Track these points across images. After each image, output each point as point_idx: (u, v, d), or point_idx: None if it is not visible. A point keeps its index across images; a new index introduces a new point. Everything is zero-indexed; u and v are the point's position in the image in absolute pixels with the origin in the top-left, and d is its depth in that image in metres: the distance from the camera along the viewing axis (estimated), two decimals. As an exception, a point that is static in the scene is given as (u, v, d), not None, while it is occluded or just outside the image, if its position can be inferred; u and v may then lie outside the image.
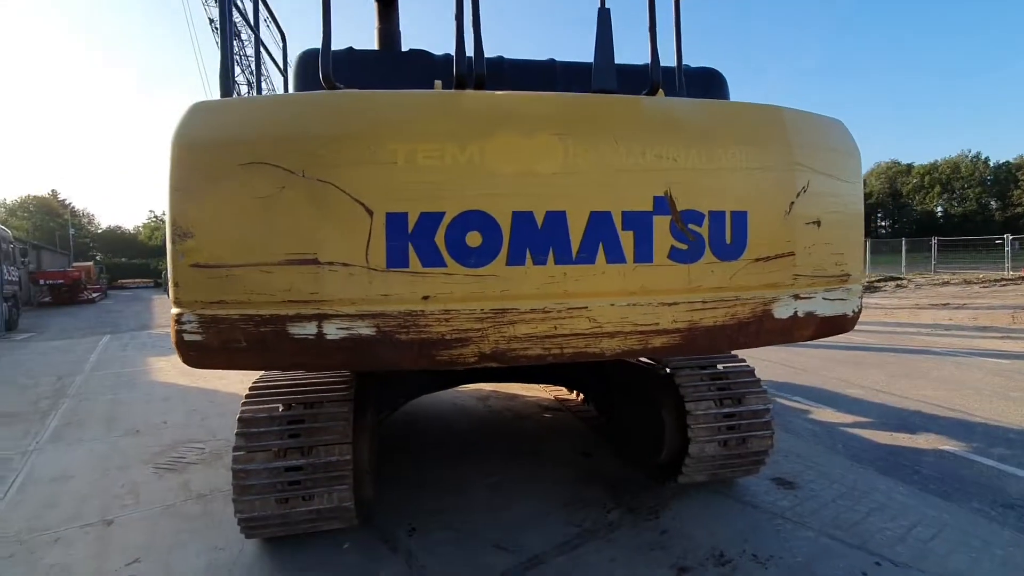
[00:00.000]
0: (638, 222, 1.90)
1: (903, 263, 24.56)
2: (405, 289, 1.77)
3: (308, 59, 2.96)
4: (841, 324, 2.31)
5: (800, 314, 2.16)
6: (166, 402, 5.96)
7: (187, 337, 1.84)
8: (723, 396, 3.32)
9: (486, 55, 2.02)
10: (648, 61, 2.22)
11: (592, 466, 3.95)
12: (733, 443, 3.30)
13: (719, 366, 3.53)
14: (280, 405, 2.90)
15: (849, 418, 4.91)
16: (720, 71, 3.34)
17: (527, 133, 1.82)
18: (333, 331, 1.77)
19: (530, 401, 5.75)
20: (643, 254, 1.91)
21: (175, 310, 1.87)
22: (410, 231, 1.76)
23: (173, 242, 1.81)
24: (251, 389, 3.00)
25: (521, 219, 1.81)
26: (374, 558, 2.80)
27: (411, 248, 1.77)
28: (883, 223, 78.90)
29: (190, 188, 1.81)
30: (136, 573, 2.70)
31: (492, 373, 4.14)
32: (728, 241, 2.00)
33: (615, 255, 1.88)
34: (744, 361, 3.59)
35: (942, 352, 7.78)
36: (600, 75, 2.15)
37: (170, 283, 1.86)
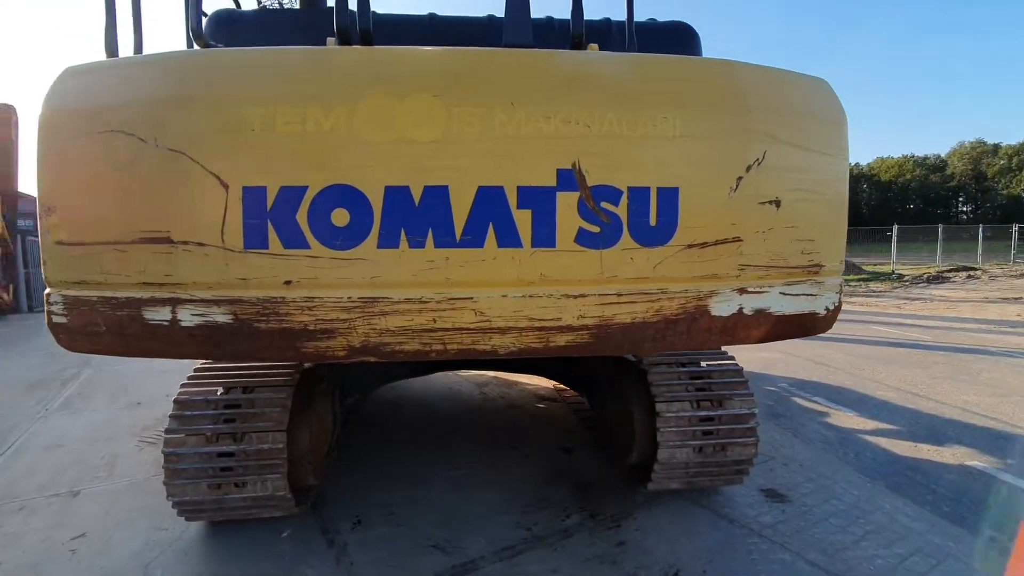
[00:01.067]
0: (538, 199, 1.62)
1: (979, 252, 22.37)
2: (265, 273, 1.59)
3: (220, 19, 2.79)
4: (808, 324, 1.95)
5: (747, 311, 1.82)
6: (180, 375, 6.14)
7: (55, 319, 1.73)
8: (701, 397, 2.99)
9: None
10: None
11: (568, 464, 3.71)
12: (710, 450, 2.97)
13: (703, 363, 3.19)
14: (220, 388, 2.82)
15: (872, 424, 4.41)
16: (691, 25, 2.91)
17: (403, 94, 1.57)
18: (188, 317, 1.62)
19: (528, 390, 5.53)
20: (543, 237, 1.63)
21: (47, 289, 1.77)
22: (269, 208, 1.57)
23: (40, 217, 1.70)
24: (195, 370, 2.94)
25: (395, 195, 1.57)
26: (307, 551, 2.69)
27: (271, 227, 1.57)
28: (964, 208, 72.57)
29: (54, 160, 1.69)
30: (77, 547, 2.71)
31: (463, 361, 3.94)
32: (652, 223, 1.69)
33: (508, 238, 1.62)
34: (732, 358, 3.22)
35: (998, 352, 6.94)
36: (513, 28, 1.85)
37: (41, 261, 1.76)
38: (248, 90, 1.57)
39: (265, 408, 2.72)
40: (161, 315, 1.62)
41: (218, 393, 2.78)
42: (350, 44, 1.72)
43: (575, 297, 1.66)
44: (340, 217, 1.57)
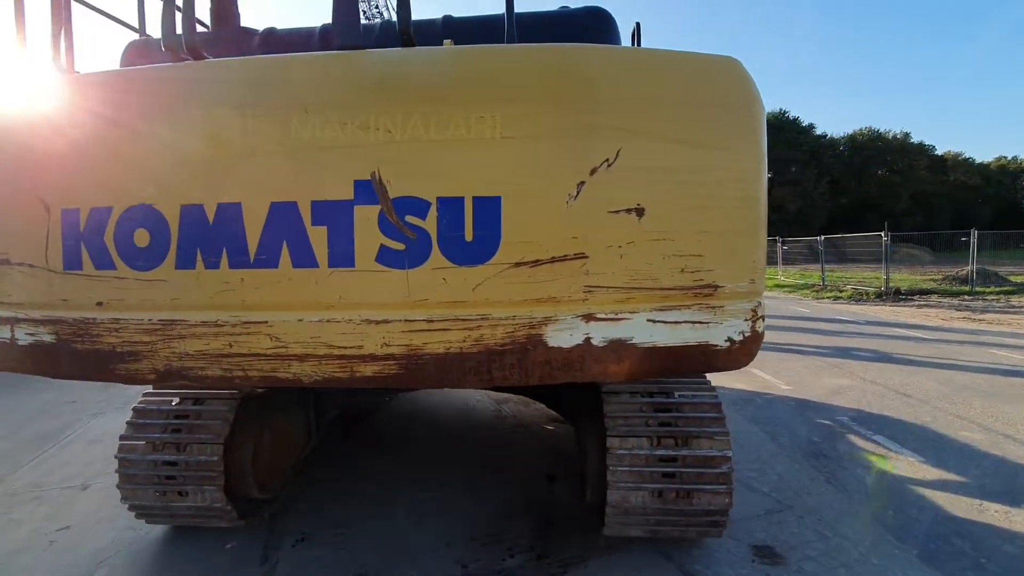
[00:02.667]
0: (333, 215, 1.47)
1: None
2: (81, 294, 1.60)
3: (131, 49, 2.91)
4: (702, 359, 1.58)
5: (597, 342, 1.51)
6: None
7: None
8: (663, 433, 2.60)
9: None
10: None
11: (545, 495, 3.43)
12: (672, 496, 2.57)
13: (676, 394, 2.78)
14: (176, 398, 2.95)
15: (934, 473, 3.60)
16: (607, 11, 2.53)
17: (200, 108, 1.51)
18: (23, 336, 1.67)
19: (543, 410, 5.27)
20: (341, 256, 1.48)
21: None
22: (82, 229, 1.57)
23: None
24: (162, 380, 3.11)
25: (190, 213, 1.51)
26: (240, 564, 2.71)
27: (83, 248, 1.58)
28: None
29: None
30: (56, 539, 2.97)
31: None
32: (468, 238, 1.46)
33: (303, 257, 1.48)
34: (712, 390, 2.78)
35: None
36: (343, 30, 1.70)
37: None
38: (66, 112, 1.60)
39: (207, 420, 2.79)
40: (3, 333, 1.69)
41: (172, 403, 2.91)
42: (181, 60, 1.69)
43: (378, 323, 1.48)
44: (141, 238, 1.54)
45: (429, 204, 1.46)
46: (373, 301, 1.48)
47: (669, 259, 1.52)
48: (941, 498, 3.24)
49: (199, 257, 1.52)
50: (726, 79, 1.59)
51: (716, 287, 1.57)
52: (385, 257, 1.47)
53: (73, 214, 1.58)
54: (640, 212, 1.49)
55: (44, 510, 3.30)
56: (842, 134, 61.24)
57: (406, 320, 1.47)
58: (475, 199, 1.45)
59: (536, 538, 2.91)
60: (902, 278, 17.35)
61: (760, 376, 6.43)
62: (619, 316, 1.50)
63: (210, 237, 1.51)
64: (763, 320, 1.63)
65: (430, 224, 1.46)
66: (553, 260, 1.47)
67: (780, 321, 11.11)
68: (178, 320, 1.54)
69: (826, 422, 4.71)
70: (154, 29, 2.90)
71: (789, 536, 2.90)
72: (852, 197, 56.05)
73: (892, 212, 48.38)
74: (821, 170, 55.06)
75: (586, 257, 1.48)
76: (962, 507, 3.12)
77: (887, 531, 2.90)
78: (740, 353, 1.62)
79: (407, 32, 1.57)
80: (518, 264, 1.47)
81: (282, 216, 1.48)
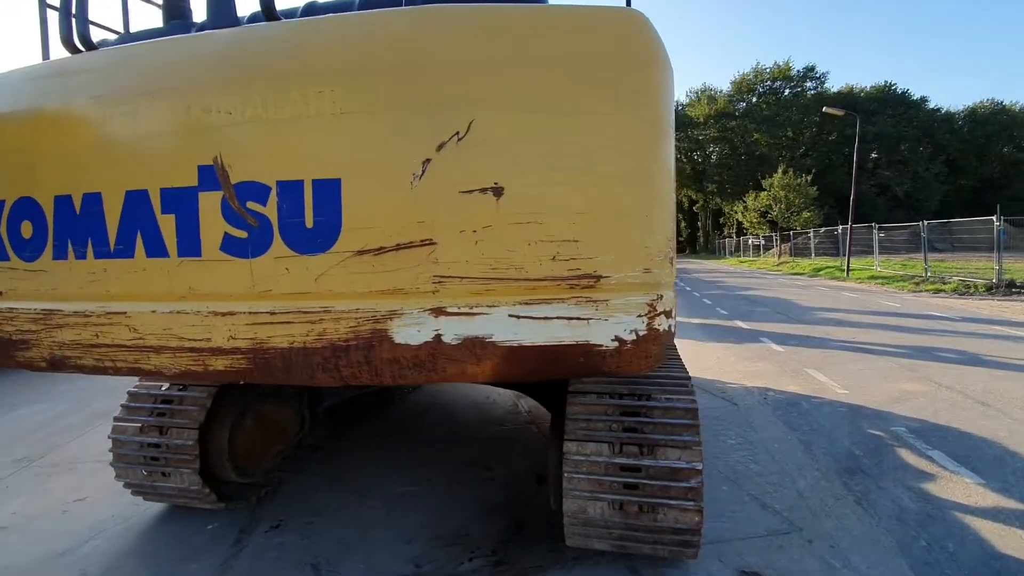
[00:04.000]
0: (180, 202, 1.41)
1: None
2: (-16, 284, 1.67)
3: None
4: (582, 360, 1.36)
5: (449, 339, 1.33)
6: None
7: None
8: (627, 440, 2.36)
9: None
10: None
11: (527, 496, 3.27)
12: (634, 510, 2.34)
13: (648, 398, 2.52)
14: (166, 384, 3.11)
15: (991, 499, 3.03)
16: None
17: (61, 100, 1.51)
18: (-57, 324, 1.77)
19: (562, 405, 5.07)
20: (188, 245, 1.42)
21: None
22: (-18, 222, 1.64)
23: None
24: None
25: (62, 204, 1.52)
26: (214, 544, 2.80)
27: (-16, 240, 1.64)
28: None
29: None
30: (70, 508, 3.24)
31: None
32: (309, 225, 1.35)
33: (156, 247, 1.44)
34: (689, 395, 2.49)
35: None
36: (216, 10, 1.62)
37: None
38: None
39: (186, 406, 2.91)
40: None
41: (162, 389, 3.07)
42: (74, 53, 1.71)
43: (223, 315, 1.41)
44: (26, 229, 1.57)
45: (269, 189, 1.37)
46: (220, 292, 1.42)
47: (536, 245, 1.32)
48: (991, 530, 2.71)
49: (70, 248, 1.54)
50: (615, 36, 1.35)
51: (598, 277, 1.35)
52: (229, 246, 1.40)
53: (-17, 207, 1.66)
54: (498, 192, 1.30)
55: (71, 482, 3.63)
56: (960, 108, 54.32)
57: (250, 312, 1.39)
58: (314, 182, 1.34)
59: (501, 542, 2.77)
60: (1020, 268, 15.03)
61: (814, 378, 5.81)
62: (474, 310, 1.32)
63: (78, 228, 1.52)
64: (667, 317, 1.39)
65: (271, 210, 1.37)
66: (398, 248, 1.32)
67: (858, 317, 10.03)
68: (55, 310, 1.56)
69: (877, 433, 4.13)
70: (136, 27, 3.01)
71: (787, 563, 2.55)
72: (972, 178, 49.60)
73: (1021, 195, 42.23)
74: (935, 149, 49.16)
75: (434, 244, 1.32)
76: (1011, 541, 2.58)
77: (911, 567, 2.46)
78: (635, 355, 1.38)
79: (269, 7, 1.48)
80: (361, 252, 1.34)
81: (136, 205, 1.45)
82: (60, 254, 1.56)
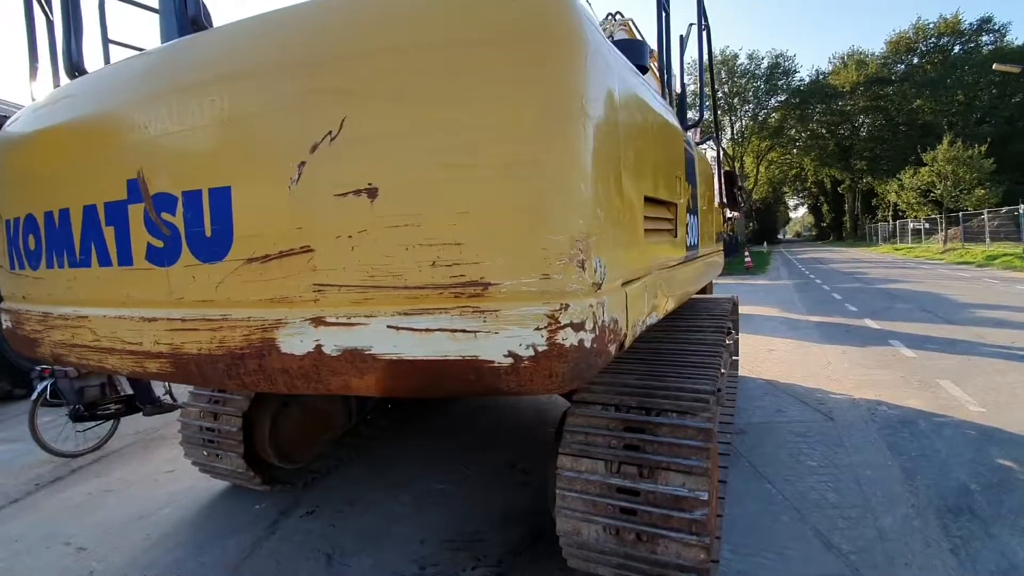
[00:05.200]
0: (116, 215, 1.50)
1: None
2: (15, 289, 1.94)
3: None
4: (472, 377, 1.21)
5: (329, 351, 1.25)
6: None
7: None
8: (625, 459, 2.13)
9: None
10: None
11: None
12: (631, 537, 2.10)
13: (654, 415, 2.25)
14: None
15: None
16: None
17: (50, 123, 1.69)
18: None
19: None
20: (124, 255, 1.50)
21: None
22: (12, 235, 1.91)
23: None
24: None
25: (48, 219, 1.71)
26: (253, 524, 3.05)
27: (12, 252, 1.91)
28: None
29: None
30: (160, 479, 3.73)
31: None
32: (208, 234, 1.35)
33: (104, 257, 1.55)
34: (704, 412, 2.17)
35: None
36: (167, 25, 1.68)
37: None
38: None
39: (235, 395, 3.19)
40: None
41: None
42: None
43: (149, 320, 1.46)
44: (31, 242, 1.79)
45: (176, 199, 1.39)
46: (147, 299, 1.49)
47: (414, 250, 1.19)
48: None
49: (54, 258, 1.72)
50: (503, 11, 1.16)
51: (485, 285, 1.18)
52: (151, 255, 1.46)
53: (14, 223, 1.92)
54: (372, 193, 1.19)
55: (170, 454, 4.17)
56: None
57: (168, 319, 1.44)
58: (210, 191, 1.33)
59: (511, 552, 2.66)
60: None
61: (946, 391, 4.85)
62: (352, 321, 1.23)
63: (58, 240, 1.69)
64: (576, 330, 1.18)
65: (179, 220, 1.40)
66: (281, 255, 1.27)
67: (1010, 315, 8.17)
68: (49, 313, 1.77)
69: (1008, 464, 3.31)
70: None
71: (834, 617, 2.13)
72: None
73: None
74: None
75: (312, 251, 1.24)
76: None
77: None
78: (535, 374, 1.19)
79: (196, 17, 1.51)
80: (250, 260, 1.31)
81: (90, 218, 1.58)
82: (50, 264, 1.76)
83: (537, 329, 1.17)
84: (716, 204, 4.28)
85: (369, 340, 1.22)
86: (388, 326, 1.21)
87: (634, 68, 1.88)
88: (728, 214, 5.11)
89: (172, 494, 3.47)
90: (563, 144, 1.16)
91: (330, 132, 1.21)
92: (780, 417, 4.49)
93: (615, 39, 3.18)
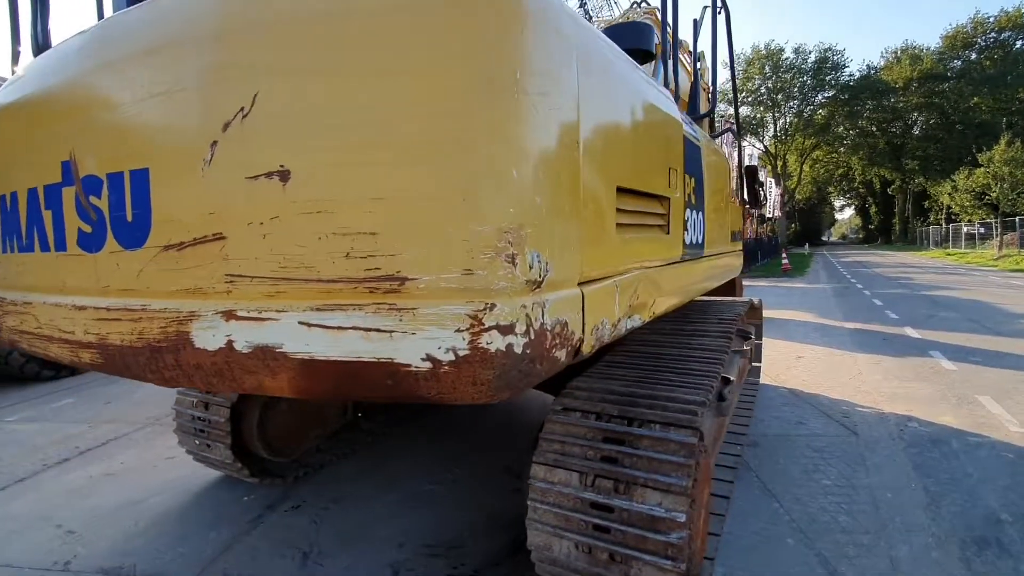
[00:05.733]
0: (52, 198, 1.44)
1: None
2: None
3: None
4: (388, 382, 1.09)
5: (240, 347, 1.15)
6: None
7: None
8: (600, 472, 1.98)
9: None
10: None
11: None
12: (604, 556, 1.95)
13: (653, 425, 2.08)
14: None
15: None
16: None
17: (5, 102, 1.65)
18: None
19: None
20: (59, 240, 1.44)
21: None
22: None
23: None
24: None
25: (2, 202, 1.68)
26: (240, 515, 3.02)
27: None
28: None
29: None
30: (159, 464, 3.77)
31: None
32: (129, 218, 1.27)
33: (44, 242, 1.49)
34: (691, 423, 2.00)
35: None
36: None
37: None
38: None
39: (225, 386, 3.17)
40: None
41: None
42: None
43: (79, 309, 1.39)
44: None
45: (102, 182, 1.32)
46: (78, 286, 1.43)
47: (327, 239, 1.08)
48: None
49: (6, 243, 1.69)
50: None
51: (402, 280, 1.06)
52: (81, 240, 1.40)
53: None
54: (285, 176, 1.09)
55: (172, 442, 4.22)
56: None
57: (95, 307, 1.37)
58: (131, 172, 1.26)
59: (490, 562, 2.55)
60: None
61: (985, 408, 4.48)
62: (263, 316, 1.13)
63: (10, 224, 1.66)
64: (504, 333, 1.04)
65: (104, 204, 1.33)
66: (195, 242, 1.18)
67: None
68: (3, 298, 1.73)
69: (1051, 495, 2.99)
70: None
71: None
72: None
73: None
74: None
75: (224, 238, 1.15)
76: None
77: None
78: (458, 381, 1.06)
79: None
80: (167, 248, 1.23)
81: (31, 202, 1.53)
82: (4, 248, 1.73)
83: (458, 331, 1.04)
84: (734, 201, 4.04)
85: (280, 337, 1.12)
86: (299, 322, 1.10)
87: (614, 48, 1.73)
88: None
89: (168, 481, 3.50)
90: (489, 122, 1.02)
91: (242, 109, 1.11)
92: (799, 430, 4.23)
93: (620, 23, 3.00)
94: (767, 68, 46.98)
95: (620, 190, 1.63)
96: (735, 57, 5.01)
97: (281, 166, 1.09)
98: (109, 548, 2.74)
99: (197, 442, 3.26)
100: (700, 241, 2.81)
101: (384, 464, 3.65)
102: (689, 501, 1.82)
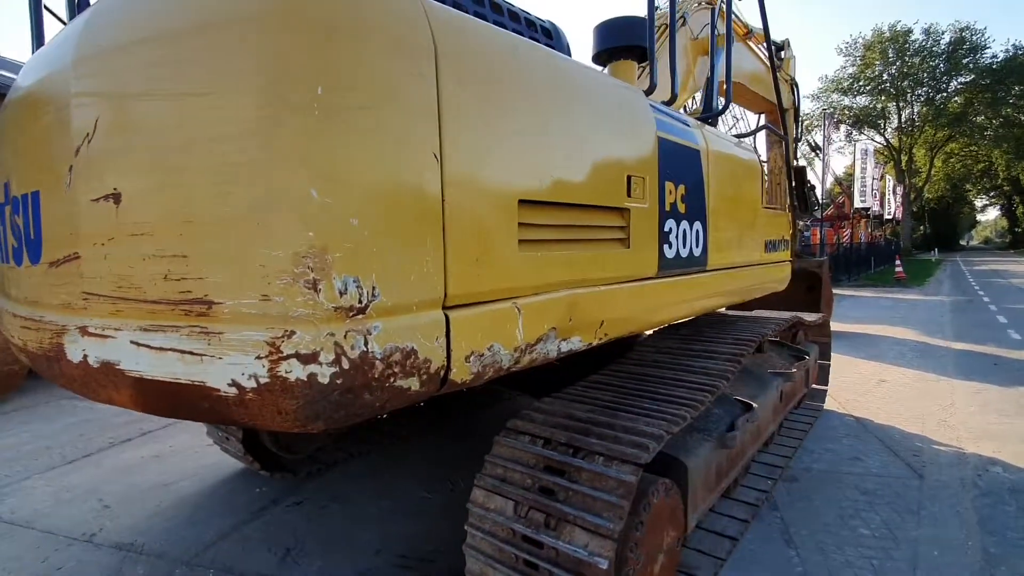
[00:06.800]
0: (2, 215, 1.61)
1: None
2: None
3: None
4: (204, 405, 1.07)
5: (92, 362, 1.18)
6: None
7: None
8: (535, 504, 1.87)
9: None
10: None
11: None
12: (535, 592, 1.83)
13: (600, 458, 1.91)
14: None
15: None
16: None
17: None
18: None
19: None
20: (3, 253, 1.60)
21: None
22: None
23: None
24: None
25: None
26: (248, 505, 3.22)
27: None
28: None
29: None
30: (200, 451, 4.11)
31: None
32: (32, 236, 1.38)
33: (4, 255, 1.67)
34: (636, 459, 1.82)
35: None
36: None
37: None
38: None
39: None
40: None
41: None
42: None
43: (14, 316, 1.53)
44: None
45: (18, 201, 1.44)
46: (15, 295, 1.57)
47: (149, 261, 1.08)
48: None
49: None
50: None
51: (210, 303, 1.03)
52: (13, 254, 1.53)
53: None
54: (117, 199, 1.11)
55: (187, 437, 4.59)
56: None
57: (21, 316, 1.50)
58: (31, 194, 1.35)
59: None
60: None
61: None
62: (105, 332, 1.16)
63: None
64: (307, 362, 0.99)
65: (21, 221, 1.44)
66: (65, 260, 1.25)
67: None
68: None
69: None
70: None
71: None
72: None
73: None
74: None
75: (79, 257, 1.20)
76: None
77: None
78: (263, 409, 1.02)
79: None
80: (51, 264, 1.31)
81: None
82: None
83: (258, 358, 1.01)
84: (774, 207, 3.63)
85: (118, 354, 1.16)
86: (131, 341, 1.13)
87: (533, 47, 1.61)
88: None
89: (200, 467, 3.80)
90: (283, 143, 0.98)
91: (87, 134, 1.16)
92: (852, 467, 3.72)
93: (613, 19, 2.80)
94: (890, 52, 42.16)
95: (527, 203, 1.50)
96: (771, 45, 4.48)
97: (115, 189, 1.13)
98: (130, 526, 3.03)
99: (219, 433, 3.51)
100: (698, 254, 2.55)
101: (390, 468, 3.71)
102: (615, 546, 1.65)
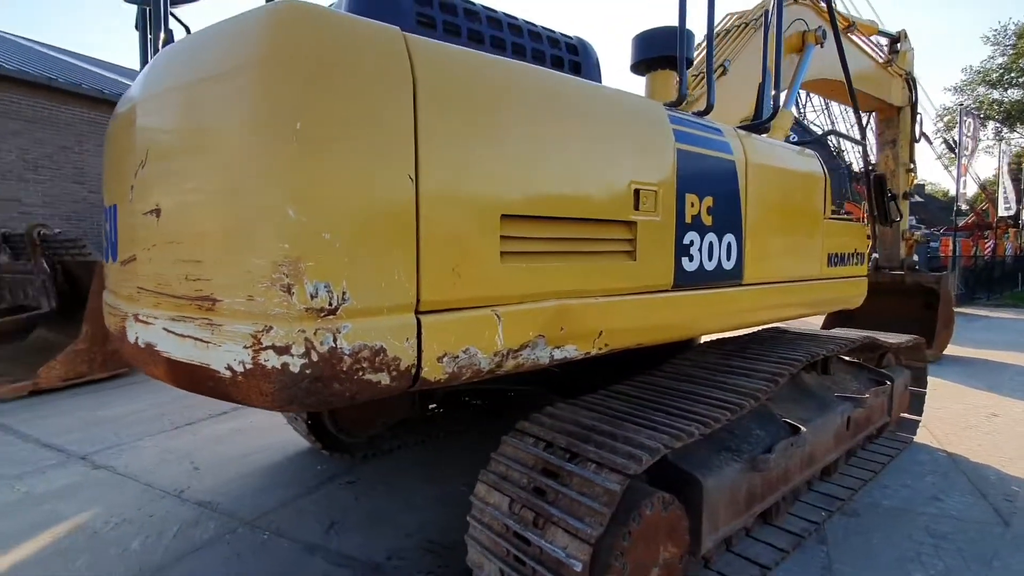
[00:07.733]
0: (114, 215, 1.99)
1: None
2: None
3: None
4: (210, 383, 1.29)
5: (140, 342, 1.46)
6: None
7: None
8: (527, 503, 1.96)
9: None
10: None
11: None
12: (527, 586, 1.93)
13: (592, 465, 1.97)
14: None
15: None
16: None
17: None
18: None
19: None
20: (109, 254, 1.99)
21: None
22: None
23: None
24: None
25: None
26: (306, 480, 3.59)
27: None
28: None
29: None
30: (278, 428, 4.61)
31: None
32: (113, 239, 1.72)
33: (105, 254, 2.07)
34: (626, 468, 1.85)
35: None
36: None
37: None
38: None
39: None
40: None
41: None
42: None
43: (106, 303, 1.90)
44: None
45: (108, 211, 1.79)
46: (108, 287, 1.94)
47: (178, 264, 1.34)
48: None
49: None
50: (250, 38, 1.20)
51: (214, 300, 1.25)
52: (109, 253, 1.91)
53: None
54: (158, 213, 1.37)
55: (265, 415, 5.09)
56: None
57: (108, 304, 1.85)
58: (113, 207, 1.69)
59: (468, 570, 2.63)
60: None
61: None
62: (149, 320, 1.43)
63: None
64: (281, 353, 1.17)
65: (108, 227, 1.79)
66: (128, 260, 1.55)
67: None
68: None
69: None
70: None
71: None
72: None
73: None
74: None
75: (135, 259, 1.49)
76: None
77: None
78: (250, 390, 1.22)
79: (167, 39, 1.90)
80: (122, 263, 1.62)
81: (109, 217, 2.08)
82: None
83: (245, 348, 1.22)
84: (833, 217, 3.37)
85: (155, 337, 1.43)
86: (163, 328, 1.40)
87: (525, 69, 1.71)
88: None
89: (276, 442, 4.27)
90: (265, 170, 1.18)
91: (142, 161, 1.44)
92: (927, 507, 3.37)
93: (651, 30, 2.78)
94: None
95: (511, 217, 1.60)
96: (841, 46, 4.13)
97: (157, 205, 1.41)
98: (211, 488, 3.50)
99: (289, 416, 3.94)
100: (730, 268, 2.47)
101: (440, 459, 3.93)
102: (591, 550, 1.70)
